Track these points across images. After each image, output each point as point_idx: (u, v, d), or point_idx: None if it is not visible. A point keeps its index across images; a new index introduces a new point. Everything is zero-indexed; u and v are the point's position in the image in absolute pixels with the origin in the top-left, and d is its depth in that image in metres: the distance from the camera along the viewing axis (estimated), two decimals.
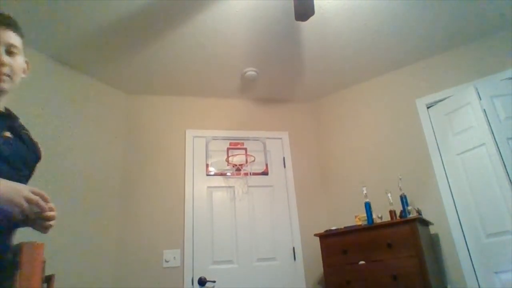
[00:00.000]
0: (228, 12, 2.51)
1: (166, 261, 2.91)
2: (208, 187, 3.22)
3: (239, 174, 3.29)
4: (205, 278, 2.87)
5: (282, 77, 3.35)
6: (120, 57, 2.88)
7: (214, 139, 3.41)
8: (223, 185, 3.26)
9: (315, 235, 2.84)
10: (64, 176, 2.67)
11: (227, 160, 3.33)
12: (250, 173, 3.32)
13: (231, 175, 3.30)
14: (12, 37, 1.11)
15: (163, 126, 3.37)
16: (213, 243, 3.03)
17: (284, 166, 3.45)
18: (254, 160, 3.37)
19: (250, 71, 3.18)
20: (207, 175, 3.26)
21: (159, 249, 2.94)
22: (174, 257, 2.93)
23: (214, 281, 2.87)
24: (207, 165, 3.30)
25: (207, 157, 3.33)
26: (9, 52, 1.09)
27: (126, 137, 3.25)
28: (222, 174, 3.30)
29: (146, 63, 2.98)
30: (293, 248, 3.14)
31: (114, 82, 3.21)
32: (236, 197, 3.23)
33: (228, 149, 3.39)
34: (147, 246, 2.94)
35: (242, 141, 3.45)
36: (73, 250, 2.59)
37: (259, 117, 3.61)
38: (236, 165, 3.31)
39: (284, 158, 3.48)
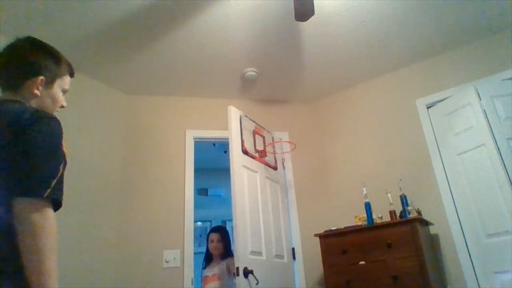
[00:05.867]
0: (228, 12, 2.51)
1: (166, 262, 2.91)
2: (243, 166, 2.80)
3: (262, 160, 3.05)
4: (248, 269, 2.41)
5: (282, 77, 3.35)
6: (120, 57, 2.88)
7: (245, 116, 3.04)
8: (251, 167, 2.90)
9: (315, 235, 2.84)
10: (64, 177, 2.66)
11: (255, 143, 3.05)
12: (273, 166, 3.16)
13: (258, 159, 3.00)
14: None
15: (163, 126, 3.37)
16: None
17: (284, 166, 3.45)
18: (295, 148, 3.29)
19: (250, 71, 3.18)
20: (243, 152, 2.84)
21: (159, 249, 2.94)
22: (174, 257, 2.93)
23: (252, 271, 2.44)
24: (242, 142, 2.88)
25: (242, 133, 2.91)
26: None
27: (126, 137, 3.25)
28: (252, 156, 2.95)
29: (146, 63, 2.98)
30: (293, 248, 3.14)
31: (114, 82, 3.20)
32: (259, 184, 2.93)
33: (254, 132, 3.10)
34: (147, 246, 2.93)
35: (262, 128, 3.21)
36: (73, 251, 2.59)
37: (259, 117, 3.60)
38: (259, 151, 3.05)
39: (284, 158, 3.47)
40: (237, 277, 2.33)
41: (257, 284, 2.41)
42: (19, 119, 0.98)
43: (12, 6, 2.26)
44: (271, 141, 3.34)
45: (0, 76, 1.15)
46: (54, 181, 0.95)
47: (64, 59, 1.26)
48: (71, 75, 1.30)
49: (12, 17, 2.35)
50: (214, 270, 2.96)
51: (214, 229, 3.23)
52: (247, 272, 2.37)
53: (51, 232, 0.90)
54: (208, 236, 3.17)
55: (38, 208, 0.90)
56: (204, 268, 3.07)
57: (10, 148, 0.94)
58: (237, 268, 2.33)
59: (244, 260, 2.41)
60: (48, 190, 0.93)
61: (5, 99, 1.10)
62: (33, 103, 1.14)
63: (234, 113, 2.87)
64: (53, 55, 1.22)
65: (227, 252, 3.06)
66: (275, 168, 3.28)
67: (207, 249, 3.14)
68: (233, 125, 2.80)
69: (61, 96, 1.24)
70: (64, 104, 1.26)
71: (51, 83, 1.19)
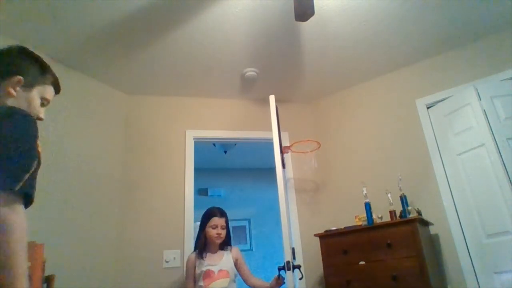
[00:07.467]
0: (228, 12, 2.51)
1: (166, 261, 2.91)
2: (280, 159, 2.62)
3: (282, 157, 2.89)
4: (295, 264, 2.33)
5: (282, 77, 3.35)
6: (120, 57, 2.88)
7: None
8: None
9: (315, 235, 2.84)
10: (64, 177, 2.67)
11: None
12: (284, 163, 3.06)
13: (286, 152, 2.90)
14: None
15: (163, 126, 3.37)
16: None
17: (284, 166, 3.44)
18: (319, 147, 3.20)
19: (250, 71, 3.18)
20: (280, 146, 2.66)
21: (159, 249, 2.94)
22: (174, 257, 2.93)
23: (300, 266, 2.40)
24: (280, 135, 2.73)
25: (279, 125, 2.74)
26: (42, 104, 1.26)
27: (126, 137, 3.25)
28: (282, 152, 2.78)
29: (146, 63, 2.98)
30: (293, 248, 3.13)
31: (114, 83, 3.20)
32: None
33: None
34: (147, 246, 2.93)
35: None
36: (73, 250, 2.59)
37: (259, 117, 3.61)
38: (284, 148, 2.97)
39: (284, 158, 3.47)
40: (287, 272, 2.26)
41: (301, 279, 2.38)
42: None
43: (12, 6, 2.26)
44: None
45: None
46: (26, 176, 0.92)
47: (51, 72, 1.26)
48: (56, 90, 1.29)
49: (12, 18, 2.35)
50: (220, 264, 2.51)
51: (219, 212, 2.61)
52: (295, 267, 2.30)
53: (20, 227, 0.87)
54: (208, 219, 2.58)
55: (8, 202, 0.87)
56: (202, 260, 2.52)
57: None
58: (287, 263, 2.28)
59: (290, 255, 2.35)
60: (20, 184, 0.90)
61: None
62: (9, 103, 1.12)
63: (273, 104, 2.70)
64: (40, 64, 1.23)
65: (227, 242, 2.65)
66: (283, 166, 3.27)
67: (203, 236, 2.57)
68: (274, 116, 2.67)
69: (38, 103, 1.21)
70: (41, 116, 1.23)
71: (30, 87, 1.18)
